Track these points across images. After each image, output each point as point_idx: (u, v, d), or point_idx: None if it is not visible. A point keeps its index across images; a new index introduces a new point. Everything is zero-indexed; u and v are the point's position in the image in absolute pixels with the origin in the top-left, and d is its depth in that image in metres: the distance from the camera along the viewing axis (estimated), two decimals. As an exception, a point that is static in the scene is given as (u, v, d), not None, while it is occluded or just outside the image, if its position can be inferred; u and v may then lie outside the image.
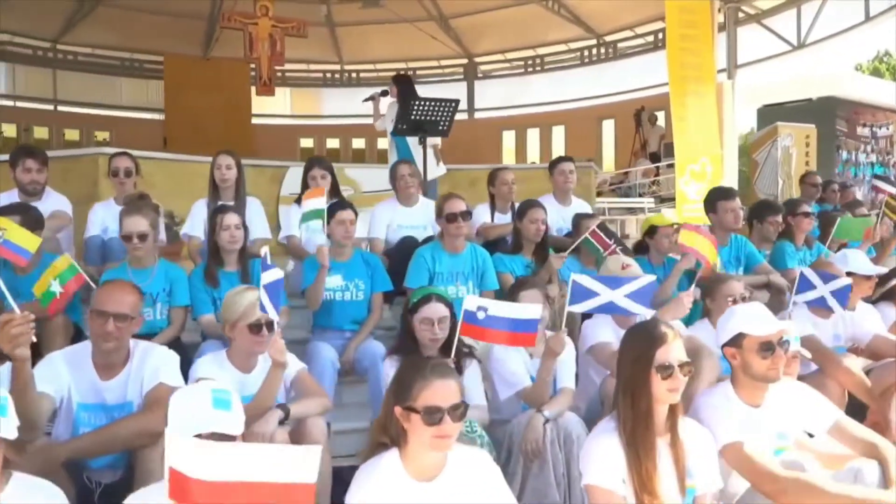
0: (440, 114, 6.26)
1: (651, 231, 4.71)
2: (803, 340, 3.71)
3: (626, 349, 2.49)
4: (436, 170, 6.56)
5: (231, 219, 3.89)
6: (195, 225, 4.70)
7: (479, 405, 3.18)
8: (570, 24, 18.25)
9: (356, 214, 4.08)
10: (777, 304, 4.63)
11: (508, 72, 20.63)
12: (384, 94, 7.19)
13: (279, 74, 20.95)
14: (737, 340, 2.75)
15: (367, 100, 6.73)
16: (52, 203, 4.49)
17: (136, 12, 17.14)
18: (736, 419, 2.66)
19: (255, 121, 18.94)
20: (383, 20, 18.42)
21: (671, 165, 12.94)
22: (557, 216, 5.43)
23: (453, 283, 4.14)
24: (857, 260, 4.21)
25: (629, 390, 2.43)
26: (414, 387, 2.15)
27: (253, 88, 16.65)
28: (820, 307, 3.74)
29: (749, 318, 2.78)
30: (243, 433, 2.70)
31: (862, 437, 2.72)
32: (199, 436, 1.88)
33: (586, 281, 3.07)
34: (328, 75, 21.36)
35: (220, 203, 4.33)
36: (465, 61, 20.63)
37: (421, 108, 6.14)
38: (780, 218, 5.23)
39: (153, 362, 2.83)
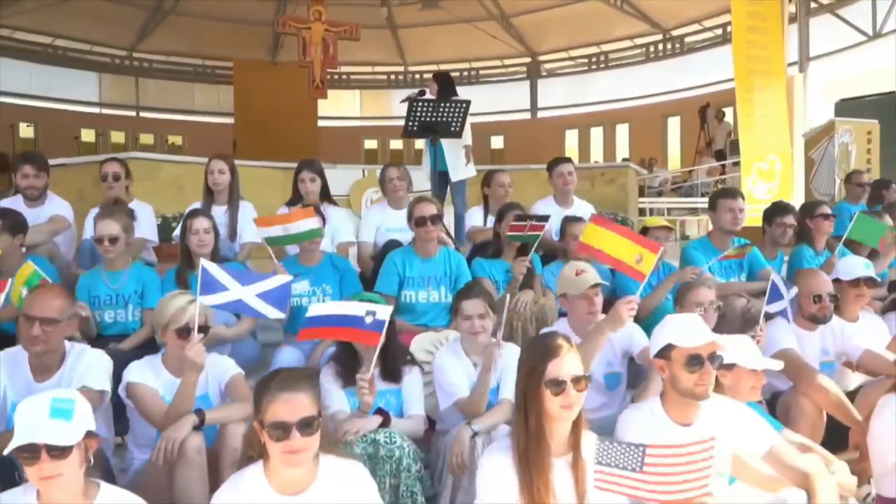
0: (451, 115, 6.16)
1: (643, 233, 4.50)
2: (778, 354, 3.45)
3: (521, 362, 2.37)
4: (464, 171, 6.45)
5: (200, 223, 3.94)
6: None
7: (414, 415, 3.10)
8: (635, 19, 17.78)
9: (324, 220, 4.06)
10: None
11: (572, 70, 20.27)
12: (421, 93, 7.11)
13: (345, 77, 21.39)
14: (665, 352, 2.56)
15: (404, 101, 6.68)
16: (53, 208, 4.66)
17: (206, 20, 17.79)
18: (657, 438, 2.49)
19: (321, 123, 19.28)
20: (444, 21, 18.45)
21: (738, 164, 12.44)
22: (557, 219, 5.26)
23: (424, 288, 4.05)
24: (847, 265, 3.89)
25: (521, 406, 2.31)
26: (262, 401, 2.10)
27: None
28: (785, 319, 3.46)
29: (679, 328, 2.56)
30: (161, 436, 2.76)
31: (795, 465, 2.49)
32: (33, 445, 1.90)
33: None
34: (392, 77, 21.53)
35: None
36: (528, 60, 20.42)
37: (431, 109, 6.07)
38: (790, 219, 4.90)
39: (83, 366, 2.89)
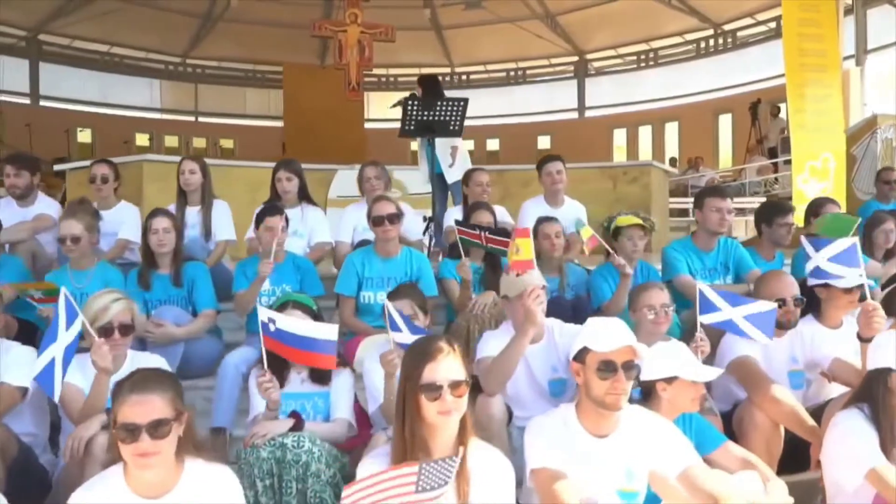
0: (449, 113, 6.06)
1: (616, 233, 4.30)
2: (734, 362, 3.23)
3: (402, 366, 2.26)
4: (452, 172, 6.33)
5: (160, 222, 3.96)
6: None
7: (338, 419, 3.02)
8: (684, 14, 17.28)
9: (287, 221, 4.02)
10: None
11: (621, 67, 19.85)
12: (412, 97, 7.05)
13: (392, 79, 21.50)
14: (581, 356, 2.42)
15: (394, 105, 6.63)
16: (42, 207, 4.79)
17: (256, 25, 18.13)
18: (569, 449, 2.34)
19: (369, 125, 19.40)
20: (489, 21, 18.33)
21: (790, 162, 11.93)
22: (551, 220, 5.10)
23: (383, 289, 3.93)
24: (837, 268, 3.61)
25: (400, 412, 2.20)
26: (115, 402, 2.06)
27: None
28: (737, 334, 3.19)
29: (595, 331, 2.42)
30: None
31: (704, 488, 2.30)
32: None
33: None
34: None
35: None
36: (575, 59, 20.10)
37: (427, 108, 5.98)
38: (790, 219, 4.61)
39: (5, 361, 2.93)
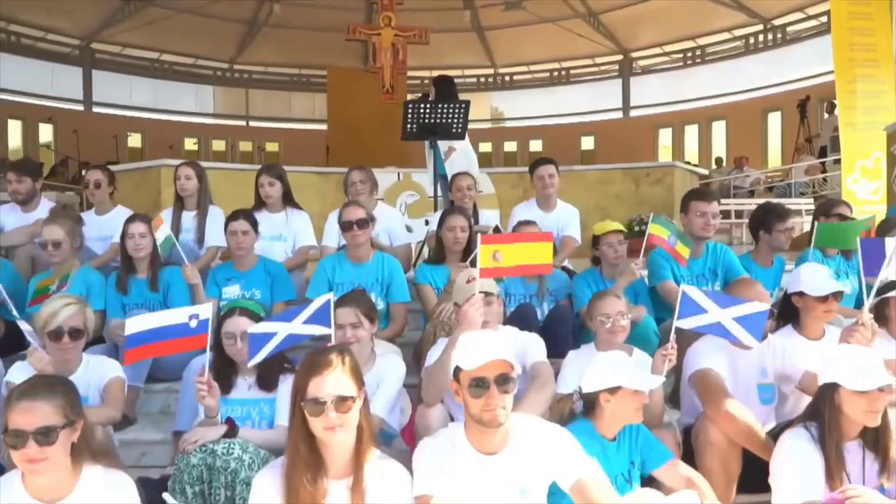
0: (451, 116, 6.00)
1: (594, 241, 4.16)
2: (695, 374, 3.08)
3: (294, 379, 2.21)
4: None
5: (136, 227, 4.02)
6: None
7: (279, 426, 3.00)
8: (732, 9, 16.81)
9: (254, 226, 4.04)
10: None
11: (667, 65, 19.43)
12: (425, 97, 7.03)
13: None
14: (456, 374, 2.27)
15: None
16: (42, 212, 4.91)
17: (300, 30, 18.41)
18: (457, 470, 2.25)
19: (411, 127, 19.48)
20: (531, 22, 18.18)
21: (840, 161, 11.46)
22: (539, 223, 4.98)
23: (354, 294, 3.96)
24: (811, 276, 3.40)
25: (291, 425, 2.17)
26: (6, 409, 2.07)
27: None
28: (724, 337, 3.01)
29: (465, 348, 2.25)
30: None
31: (596, 502, 2.18)
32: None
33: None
34: (482, 80, 21.43)
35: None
36: (619, 57, 19.76)
37: (429, 110, 5.94)
38: (788, 224, 4.40)
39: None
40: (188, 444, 2.74)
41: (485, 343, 2.24)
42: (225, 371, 3.05)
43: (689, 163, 14.65)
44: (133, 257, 4.05)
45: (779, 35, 16.94)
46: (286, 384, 3.05)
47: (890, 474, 2.46)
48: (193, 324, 2.70)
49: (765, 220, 4.43)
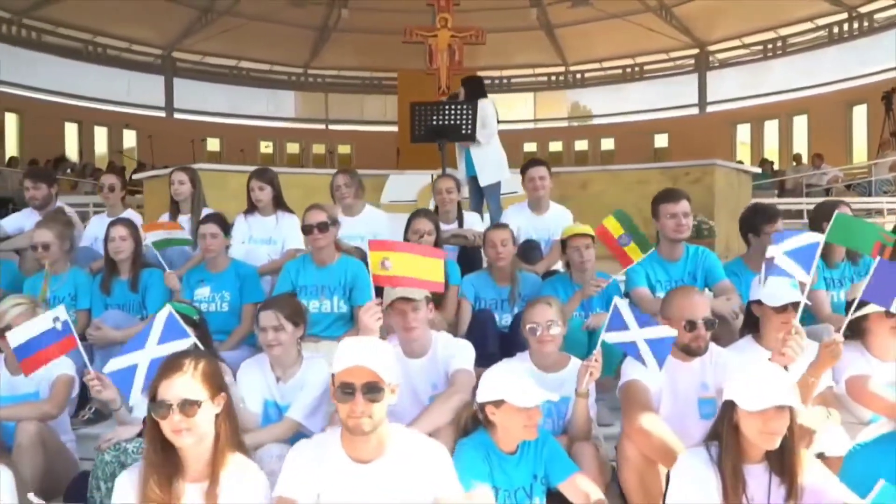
0: (458, 117, 5.95)
1: (563, 245, 4.00)
2: (621, 389, 2.92)
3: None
4: (483, 176, 6.17)
5: (116, 231, 4.16)
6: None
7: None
8: (816, -3, 15.93)
9: (224, 229, 4.12)
10: (728, 334, 3.68)
11: (747, 58, 18.57)
12: (454, 96, 6.99)
13: (505, 81, 21.41)
14: (333, 380, 2.25)
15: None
16: (56, 217, 5.23)
17: (369, 34, 18.69)
18: (331, 478, 2.22)
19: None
20: (600, 18, 17.80)
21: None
22: (529, 226, 4.84)
23: (317, 297, 3.92)
24: (773, 287, 3.15)
25: (147, 428, 2.20)
26: None
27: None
28: (634, 357, 2.84)
29: (338, 351, 2.23)
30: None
31: None
32: None
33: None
34: (553, 78, 21.14)
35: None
36: (695, 51, 19.05)
37: (435, 112, 5.92)
38: (778, 225, 4.11)
39: None
40: (103, 443, 2.84)
41: (355, 349, 2.21)
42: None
43: (741, 162, 14.03)
44: (114, 259, 4.22)
45: (865, 23, 15.90)
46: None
47: (797, 500, 2.27)
48: (59, 326, 2.79)
49: (754, 222, 4.18)
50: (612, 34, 18.56)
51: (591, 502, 2.52)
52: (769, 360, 2.81)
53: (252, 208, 4.89)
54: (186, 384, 2.14)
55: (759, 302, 3.17)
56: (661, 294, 3.90)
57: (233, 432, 2.27)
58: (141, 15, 16.78)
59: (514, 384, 2.52)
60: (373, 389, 2.15)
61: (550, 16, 18.38)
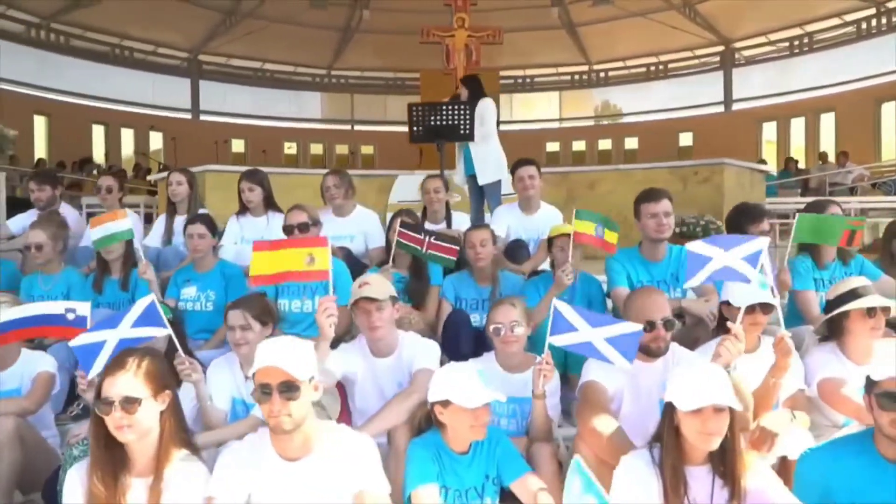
0: (455, 117, 5.95)
1: (549, 244, 3.98)
2: (579, 389, 2.91)
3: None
4: (483, 175, 6.16)
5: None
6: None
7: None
8: (843, -8, 15.62)
9: (211, 229, 4.19)
10: (706, 335, 3.64)
11: (773, 55, 18.26)
12: (456, 97, 7.00)
13: (528, 80, 21.34)
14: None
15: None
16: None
17: (391, 35, 18.76)
18: (250, 472, 2.25)
19: (505, 128, 19.35)
20: (623, 16, 17.64)
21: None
22: (519, 226, 4.84)
23: (299, 297, 3.97)
24: (739, 287, 3.11)
25: (90, 422, 2.26)
26: None
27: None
28: (595, 358, 2.81)
29: (256, 357, 2.27)
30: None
31: None
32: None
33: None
34: (576, 77, 21.00)
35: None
36: (721, 48, 18.79)
37: (431, 113, 5.93)
38: (764, 225, 4.04)
39: None
40: (72, 438, 2.91)
41: (270, 350, 2.25)
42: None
43: (763, 161, 13.80)
44: (106, 259, 4.31)
45: (894, 19, 15.53)
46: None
47: (741, 502, 2.25)
48: (71, 316, 2.86)
49: (738, 221, 4.13)
50: (635, 32, 18.39)
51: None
52: (711, 361, 2.78)
53: (244, 209, 4.97)
54: (128, 382, 2.19)
55: (727, 303, 3.14)
56: (641, 295, 3.89)
57: (177, 429, 2.32)
58: (166, 18, 17.05)
59: (461, 385, 2.52)
60: (289, 388, 2.19)
61: (572, 14, 18.27)
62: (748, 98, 18.54)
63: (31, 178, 5.38)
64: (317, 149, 20.65)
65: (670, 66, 19.76)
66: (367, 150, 20.80)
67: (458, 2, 13.45)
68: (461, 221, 5.05)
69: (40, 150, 15.81)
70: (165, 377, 2.32)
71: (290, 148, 20.13)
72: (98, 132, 17.24)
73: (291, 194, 5.44)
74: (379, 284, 3.14)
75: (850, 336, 3.13)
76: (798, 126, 17.46)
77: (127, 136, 17.93)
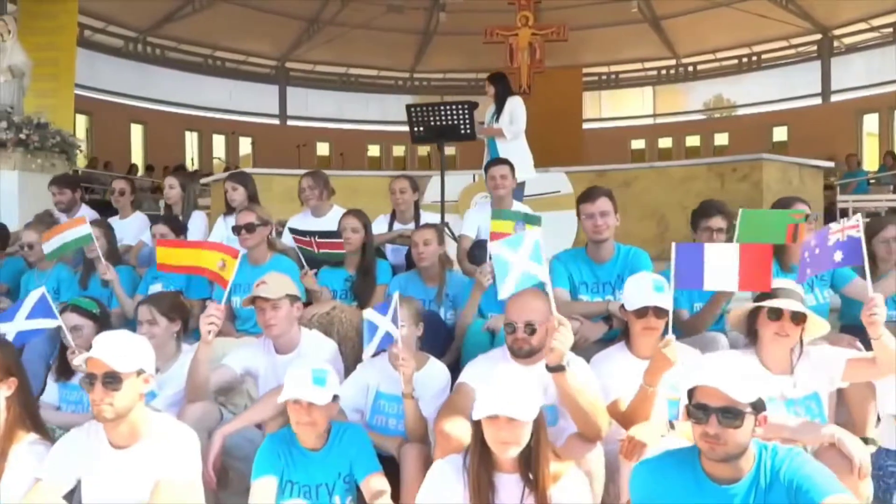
0: (455, 117, 5.92)
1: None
2: (455, 387, 2.85)
3: None
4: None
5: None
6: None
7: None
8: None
9: (173, 229, 4.37)
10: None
11: (875, 42, 16.94)
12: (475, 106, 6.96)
13: (613, 76, 20.82)
14: None
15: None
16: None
17: (471, 36, 18.76)
18: (82, 459, 2.40)
19: (588, 125, 18.97)
20: (709, 6, 16.87)
21: None
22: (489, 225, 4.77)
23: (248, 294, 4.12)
24: (632, 286, 2.91)
25: None
26: None
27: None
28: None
29: (92, 345, 2.42)
30: None
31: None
32: None
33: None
34: (663, 72, 20.30)
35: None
36: (818, 37, 17.63)
37: (431, 113, 5.92)
38: (718, 222, 3.78)
39: None
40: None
41: (99, 343, 2.38)
42: (64, 359, 3.42)
43: (852, 155, 12.77)
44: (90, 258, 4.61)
45: None
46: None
47: (545, 510, 2.17)
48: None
49: (693, 217, 3.92)
50: (726, 22, 17.53)
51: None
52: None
53: (230, 209, 5.15)
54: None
55: (622, 306, 2.99)
56: (583, 296, 3.77)
57: (23, 414, 2.49)
58: (254, 29, 17.84)
59: (288, 382, 2.57)
60: (111, 379, 2.30)
61: (657, 7, 17.66)
62: (848, 88, 17.29)
63: (52, 182, 5.81)
64: (399, 151, 20.99)
65: (763, 56, 18.74)
66: (449, 151, 20.86)
67: (522, 0, 13.33)
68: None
69: (137, 157, 16.96)
70: (12, 366, 2.49)
71: (374, 150, 20.56)
72: (191, 138, 18.27)
73: (352, 198, 5.67)
74: (276, 283, 3.21)
75: (760, 342, 2.92)
76: (903, 117, 16.15)
77: (218, 142, 18.90)
